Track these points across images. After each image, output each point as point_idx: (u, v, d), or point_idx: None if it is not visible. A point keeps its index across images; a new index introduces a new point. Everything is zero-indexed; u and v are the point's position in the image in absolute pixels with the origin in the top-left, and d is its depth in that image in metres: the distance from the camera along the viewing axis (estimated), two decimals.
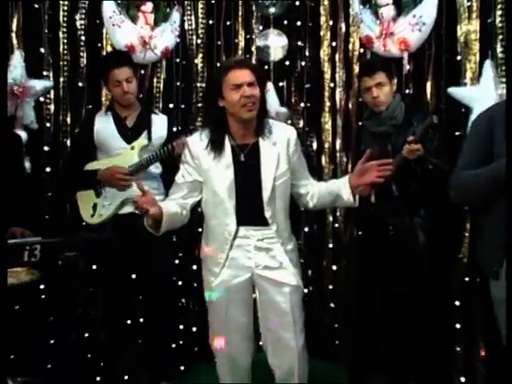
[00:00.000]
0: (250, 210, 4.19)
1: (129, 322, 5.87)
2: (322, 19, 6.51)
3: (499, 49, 5.26)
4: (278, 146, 4.23)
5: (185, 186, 4.32)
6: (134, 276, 5.75)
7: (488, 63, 5.27)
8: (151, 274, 5.63)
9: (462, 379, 5.53)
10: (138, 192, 5.14)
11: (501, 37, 5.25)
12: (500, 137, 3.95)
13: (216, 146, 4.22)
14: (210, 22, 6.56)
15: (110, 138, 5.49)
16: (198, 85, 6.53)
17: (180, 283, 6.35)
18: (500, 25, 5.25)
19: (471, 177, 4.06)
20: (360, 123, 5.76)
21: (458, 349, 5.58)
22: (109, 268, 5.57)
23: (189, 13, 6.44)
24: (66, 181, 5.73)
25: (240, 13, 6.68)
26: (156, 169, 5.57)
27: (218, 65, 6.51)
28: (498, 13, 5.25)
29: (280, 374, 4.30)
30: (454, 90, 5.47)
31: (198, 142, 4.30)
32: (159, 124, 5.65)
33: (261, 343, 4.40)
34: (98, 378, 5.86)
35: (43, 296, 5.80)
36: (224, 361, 4.38)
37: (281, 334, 4.22)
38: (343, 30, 6.37)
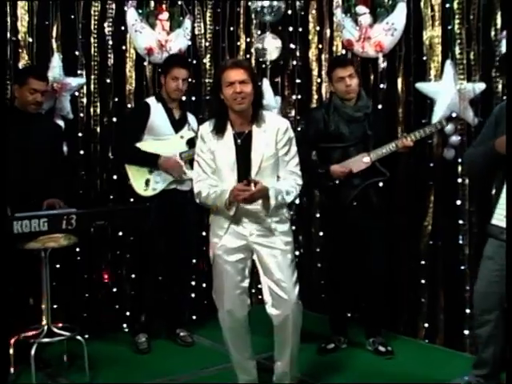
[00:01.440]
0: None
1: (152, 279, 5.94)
2: (311, 25, 6.70)
3: (458, 51, 5.35)
4: (268, 134, 4.31)
5: (207, 168, 4.40)
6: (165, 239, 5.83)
7: (448, 63, 5.39)
8: (182, 238, 5.83)
9: (426, 325, 5.75)
10: (187, 175, 5.52)
11: (459, 41, 5.35)
12: (500, 130, 4.14)
13: (219, 132, 4.34)
14: (217, 27, 6.70)
15: (162, 124, 5.65)
16: (206, 81, 6.65)
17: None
18: (458, 31, 5.35)
19: (473, 152, 4.33)
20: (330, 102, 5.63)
21: (423, 300, 5.74)
22: (149, 232, 5.69)
23: (198, 20, 6.54)
24: (122, 153, 5.80)
25: (241, 20, 6.85)
26: None
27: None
28: (456, 21, 5.35)
29: (277, 322, 4.41)
30: (420, 85, 5.59)
31: (207, 128, 4.40)
32: (193, 120, 5.89)
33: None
34: (125, 325, 6.11)
35: (78, 257, 5.95)
36: (223, 312, 4.47)
37: (275, 289, 4.32)
38: (328, 34, 6.51)
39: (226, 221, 4.39)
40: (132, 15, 6.05)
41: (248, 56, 6.92)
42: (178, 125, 5.74)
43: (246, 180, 4.16)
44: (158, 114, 5.67)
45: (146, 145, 5.63)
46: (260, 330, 4.69)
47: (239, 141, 4.34)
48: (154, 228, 5.67)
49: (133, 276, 6.07)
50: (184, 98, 6.36)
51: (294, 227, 5.49)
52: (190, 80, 6.24)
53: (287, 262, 4.38)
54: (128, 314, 6.10)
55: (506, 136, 3.86)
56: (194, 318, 6.48)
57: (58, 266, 5.68)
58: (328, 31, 6.53)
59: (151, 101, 5.74)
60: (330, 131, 5.37)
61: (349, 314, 5.89)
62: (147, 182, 5.63)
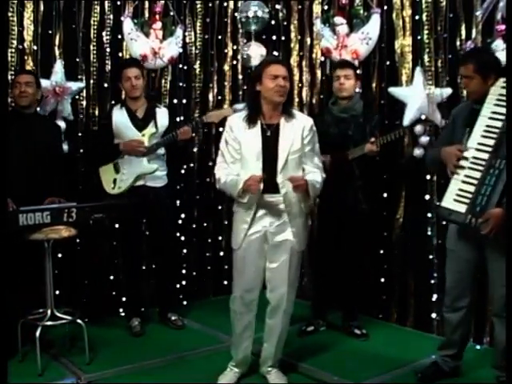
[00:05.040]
0: (268, 176, 4.25)
1: (144, 267, 6.10)
2: (292, 34, 6.76)
3: (426, 59, 5.44)
4: (295, 129, 4.32)
5: (229, 156, 4.40)
6: (146, 232, 5.92)
7: (418, 69, 5.47)
8: (159, 230, 5.82)
9: (397, 309, 5.84)
10: (148, 169, 5.47)
11: (427, 50, 5.44)
12: (458, 123, 4.34)
13: (250, 121, 4.34)
14: (206, 36, 6.73)
15: (125, 127, 5.62)
16: (196, 85, 6.70)
17: (183, 238, 6.53)
18: (427, 41, 5.43)
19: (430, 152, 4.57)
20: (327, 105, 5.71)
21: (396, 287, 5.83)
22: (128, 225, 5.74)
23: (189, 29, 6.57)
24: (94, 159, 5.79)
25: (229, 29, 6.86)
26: (160, 150, 5.70)
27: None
28: (425, 32, 5.43)
29: (270, 306, 4.53)
30: (393, 90, 5.66)
31: (237, 117, 4.44)
32: (162, 115, 5.78)
33: None
34: (121, 310, 6.13)
35: (78, 247, 5.98)
36: (236, 295, 4.51)
37: (271, 277, 4.45)
38: (308, 43, 6.58)
39: (249, 211, 4.38)
40: (128, 25, 6.09)
41: (234, 62, 6.95)
42: (141, 124, 5.69)
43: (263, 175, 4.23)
44: (120, 118, 5.67)
45: None
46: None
47: (268, 132, 4.35)
48: (126, 222, 5.73)
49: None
50: (176, 101, 6.44)
51: None
52: (181, 84, 6.40)
53: (293, 254, 4.43)
54: (123, 300, 6.12)
55: (506, 136, 3.92)
56: (185, 303, 6.53)
57: (59, 255, 5.73)
58: (308, 40, 6.60)
59: (116, 107, 5.77)
60: (319, 130, 5.41)
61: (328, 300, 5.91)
62: (114, 181, 5.65)
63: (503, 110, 4.03)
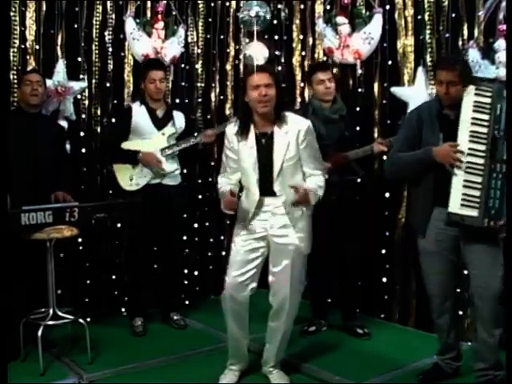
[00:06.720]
0: (266, 184, 4.30)
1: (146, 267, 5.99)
2: (294, 34, 6.72)
3: (428, 58, 5.43)
4: (289, 135, 4.26)
5: (228, 166, 4.48)
6: (153, 230, 5.80)
7: (420, 69, 5.45)
8: (168, 230, 5.83)
9: (399, 309, 5.83)
10: (165, 169, 5.52)
11: (429, 49, 5.42)
12: (426, 128, 4.26)
13: (242, 132, 4.33)
14: (208, 36, 6.73)
15: (144, 125, 5.67)
16: (198, 85, 6.71)
17: (185, 238, 6.47)
18: (429, 40, 5.42)
19: (403, 157, 4.34)
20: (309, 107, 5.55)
21: (398, 287, 5.82)
22: (139, 224, 5.70)
23: (191, 29, 6.58)
24: (107, 154, 5.88)
25: (231, 29, 6.87)
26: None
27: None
28: (427, 31, 5.43)
29: (272, 310, 4.50)
30: (394, 89, 5.64)
31: (232, 128, 4.42)
32: (179, 117, 5.85)
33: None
34: (123, 309, 6.14)
35: (80, 247, 5.98)
36: (226, 294, 4.45)
37: (273, 281, 4.44)
38: (310, 42, 6.54)
39: (250, 211, 4.40)
40: (130, 24, 6.08)
41: (237, 62, 6.96)
42: (161, 123, 5.75)
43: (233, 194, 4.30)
44: (140, 115, 5.70)
45: (131, 144, 5.67)
46: (252, 313, 4.65)
47: (263, 141, 4.34)
48: (139, 220, 5.68)
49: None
50: (178, 100, 6.45)
51: None
52: (183, 84, 6.44)
53: (297, 256, 4.40)
54: (126, 299, 6.13)
55: (507, 137, 3.92)
56: (187, 302, 6.53)
57: (61, 255, 5.72)
58: (310, 39, 6.56)
59: (135, 104, 5.80)
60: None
61: (329, 300, 5.94)
62: (131, 178, 5.66)
63: (484, 117, 4.04)
